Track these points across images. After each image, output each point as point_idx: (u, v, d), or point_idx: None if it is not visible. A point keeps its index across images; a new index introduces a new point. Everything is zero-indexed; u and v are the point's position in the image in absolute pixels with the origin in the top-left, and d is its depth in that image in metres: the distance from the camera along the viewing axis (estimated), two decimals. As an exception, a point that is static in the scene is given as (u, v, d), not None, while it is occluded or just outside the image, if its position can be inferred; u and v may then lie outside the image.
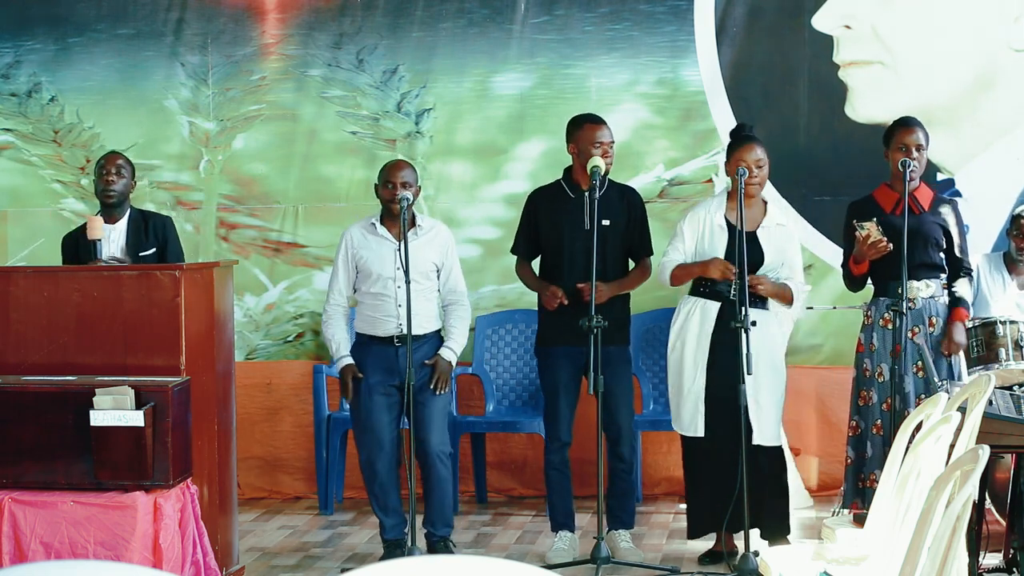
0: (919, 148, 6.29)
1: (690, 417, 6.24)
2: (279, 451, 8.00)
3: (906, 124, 6.37)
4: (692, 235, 6.29)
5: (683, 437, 6.33)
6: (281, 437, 7.99)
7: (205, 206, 8.05)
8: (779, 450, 6.35)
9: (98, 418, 5.33)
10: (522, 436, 7.85)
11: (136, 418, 5.31)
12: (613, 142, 6.41)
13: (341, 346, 6.36)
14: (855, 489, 6.38)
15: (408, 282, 6.06)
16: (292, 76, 8.05)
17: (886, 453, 6.25)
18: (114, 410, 5.32)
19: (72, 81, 8.16)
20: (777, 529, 6.28)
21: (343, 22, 8.00)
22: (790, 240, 6.39)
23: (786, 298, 6.28)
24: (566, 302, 6.27)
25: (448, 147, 7.92)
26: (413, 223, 6.33)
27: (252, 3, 8.07)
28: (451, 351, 6.37)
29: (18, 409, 5.47)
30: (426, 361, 6.30)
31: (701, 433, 6.22)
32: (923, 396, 6.13)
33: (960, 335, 6.33)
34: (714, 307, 6.20)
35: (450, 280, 6.43)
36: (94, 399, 5.34)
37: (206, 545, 5.58)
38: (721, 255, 6.20)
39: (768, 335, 6.23)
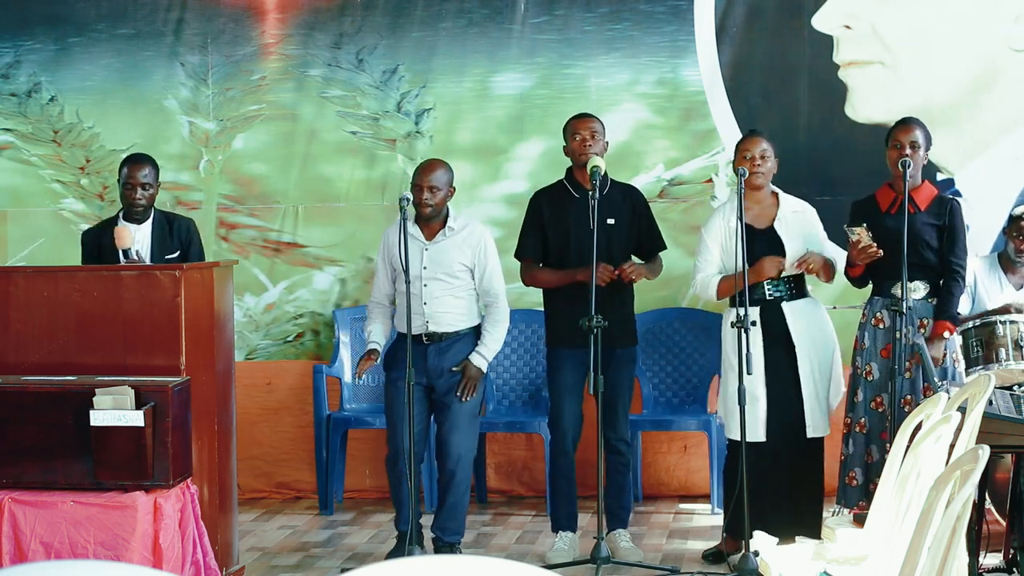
0: (913, 145, 6.24)
1: (753, 422, 6.16)
2: (279, 451, 7.99)
3: (903, 122, 6.37)
4: (716, 244, 6.32)
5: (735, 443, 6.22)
6: (281, 437, 7.99)
7: (205, 206, 8.05)
8: (822, 444, 6.34)
9: (98, 418, 5.33)
10: (522, 436, 7.84)
11: (136, 418, 5.31)
12: (596, 132, 6.42)
13: (372, 334, 6.47)
14: (843, 486, 6.37)
15: (408, 284, 6.10)
16: (292, 76, 8.04)
17: (868, 452, 6.28)
18: (114, 410, 5.32)
19: (72, 81, 8.15)
20: (813, 531, 6.23)
21: (343, 22, 8.00)
22: (810, 223, 6.43)
23: (831, 272, 6.39)
24: (615, 276, 6.30)
25: (448, 147, 7.91)
26: (444, 223, 6.38)
27: (252, 3, 8.06)
28: (481, 356, 6.38)
29: (18, 409, 5.47)
30: (453, 368, 6.33)
31: (762, 437, 6.20)
32: (909, 397, 6.12)
33: (937, 351, 6.16)
34: (754, 312, 6.17)
35: (484, 280, 6.43)
36: (94, 399, 5.34)
37: (206, 545, 5.58)
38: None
39: (819, 324, 6.32)
